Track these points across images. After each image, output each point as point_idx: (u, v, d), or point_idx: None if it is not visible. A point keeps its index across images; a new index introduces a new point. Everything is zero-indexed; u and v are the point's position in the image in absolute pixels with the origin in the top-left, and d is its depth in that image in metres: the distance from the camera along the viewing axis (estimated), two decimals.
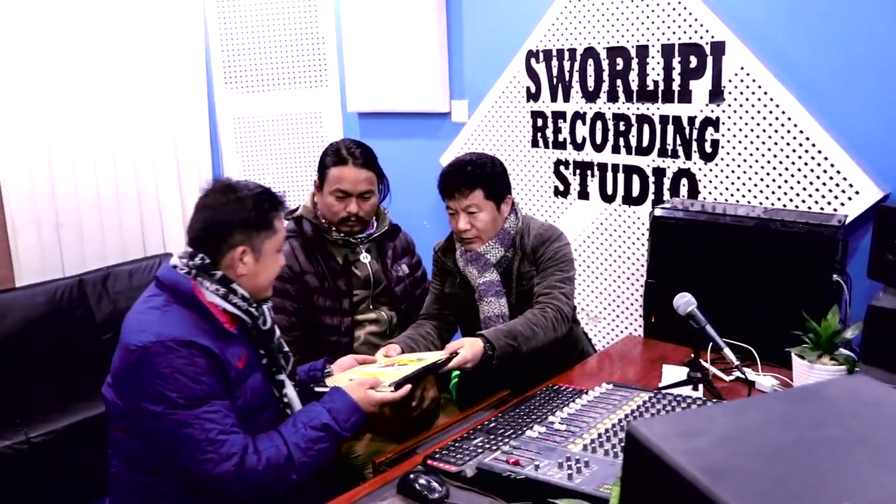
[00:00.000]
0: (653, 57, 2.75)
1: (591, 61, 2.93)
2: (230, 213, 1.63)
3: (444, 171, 2.17)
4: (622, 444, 1.50)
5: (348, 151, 2.17)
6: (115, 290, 3.55)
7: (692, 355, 1.97)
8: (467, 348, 1.92)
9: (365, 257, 2.23)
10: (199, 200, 1.68)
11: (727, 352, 1.87)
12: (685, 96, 2.69)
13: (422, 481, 1.47)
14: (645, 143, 2.84)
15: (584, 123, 3.01)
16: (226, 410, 1.56)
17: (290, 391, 1.76)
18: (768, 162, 2.55)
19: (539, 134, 3.17)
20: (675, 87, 2.71)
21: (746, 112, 2.57)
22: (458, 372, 2.49)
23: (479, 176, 2.12)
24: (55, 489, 2.88)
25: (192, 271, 1.62)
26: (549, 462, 1.46)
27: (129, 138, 3.79)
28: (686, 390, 1.88)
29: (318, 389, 1.83)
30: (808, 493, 0.59)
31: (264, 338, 1.71)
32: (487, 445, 1.59)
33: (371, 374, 1.82)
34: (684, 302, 1.96)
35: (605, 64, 2.89)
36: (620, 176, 2.94)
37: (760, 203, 2.59)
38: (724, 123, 2.62)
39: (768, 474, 0.62)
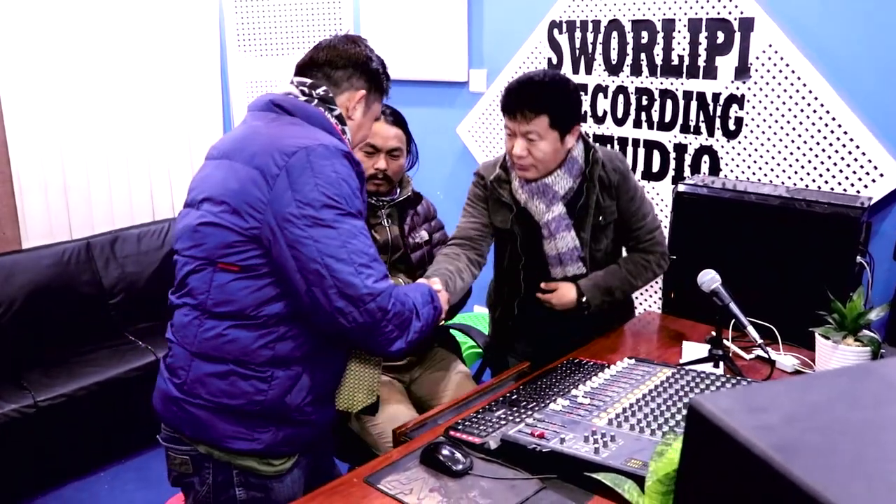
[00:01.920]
0: (679, 31, 2.70)
1: (615, 34, 2.88)
2: (363, 59, 1.55)
3: (511, 86, 1.95)
4: (648, 420, 1.49)
5: (380, 110, 2.19)
6: (122, 254, 3.52)
7: (713, 333, 1.96)
8: (558, 296, 2.05)
9: (386, 222, 2.22)
10: (322, 43, 1.57)
11: (750, 330, 1.85)
12: (710, 72, 2.65)
13: (445, 452, 1.46)
14: (667, 118, 2.80)
15: (605, 97, 2.96)
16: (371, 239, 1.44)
17: None
18: (792, 142, 2.52)
19: None
20: (701, 62, 2.66)
21: (773, 90, 2.53)
22: (472, 343, 2.49)
23: (548, 101, 1.90)
24: (62, 453, 2.89)
25: (314, 100, 1.50)
26: (575, 436, 1.44)
27: (139, 101, 3.75)
28: (707, 367, 1.87)
29: None
30: (883, 471, 0.58)
31: None
32: (510, 418, 1.58)
33: None
34: (709, 279, 1.94)
35: (629, 37, 2.84)
36: (641, 151, 2.90)
37: (782, 182, 2.56)
38: (748, 101, 2.58)
39: (841, 452, 0.60)
